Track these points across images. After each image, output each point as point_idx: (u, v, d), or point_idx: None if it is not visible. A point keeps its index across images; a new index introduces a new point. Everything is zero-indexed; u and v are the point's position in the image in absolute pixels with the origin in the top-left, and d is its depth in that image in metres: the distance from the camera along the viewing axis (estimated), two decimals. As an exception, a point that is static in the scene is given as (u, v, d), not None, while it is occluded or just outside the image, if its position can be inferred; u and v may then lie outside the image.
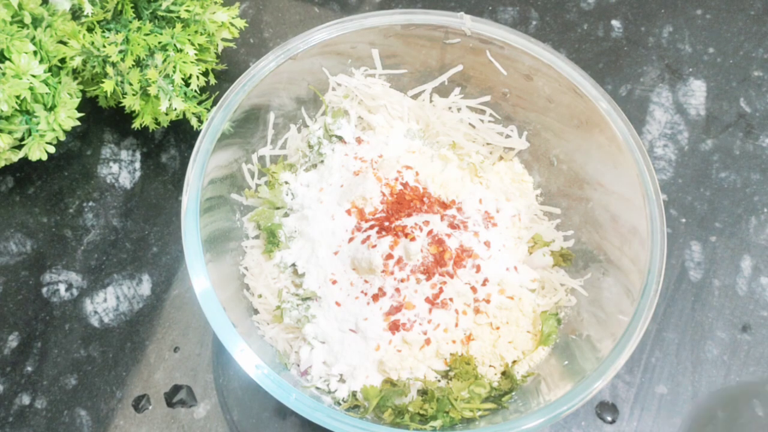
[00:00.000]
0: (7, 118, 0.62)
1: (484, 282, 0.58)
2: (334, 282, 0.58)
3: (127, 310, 0.65)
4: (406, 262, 0.56)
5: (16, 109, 0.62)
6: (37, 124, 0.63)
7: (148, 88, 0.64)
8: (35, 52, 0.62)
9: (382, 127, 0.65)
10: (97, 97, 0.70)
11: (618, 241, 0.58)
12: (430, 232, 0.58)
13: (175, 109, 0.65)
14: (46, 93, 0.62)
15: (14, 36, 0.61)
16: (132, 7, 0.65)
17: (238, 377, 0.62)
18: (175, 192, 0.70)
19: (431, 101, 0.67)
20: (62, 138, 0.65)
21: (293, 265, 0.60)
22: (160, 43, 0.64)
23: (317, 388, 0.57)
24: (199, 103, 0.68)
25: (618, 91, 0.77)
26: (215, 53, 0.70)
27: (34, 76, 0.61)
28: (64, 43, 0.64)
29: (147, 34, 0.64)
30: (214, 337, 0.63)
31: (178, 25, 0.65)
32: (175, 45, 0.65)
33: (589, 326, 0.57)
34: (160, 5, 0.65)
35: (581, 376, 0.51)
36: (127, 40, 0.64)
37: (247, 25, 0.71)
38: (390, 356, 0.55)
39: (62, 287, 0.66)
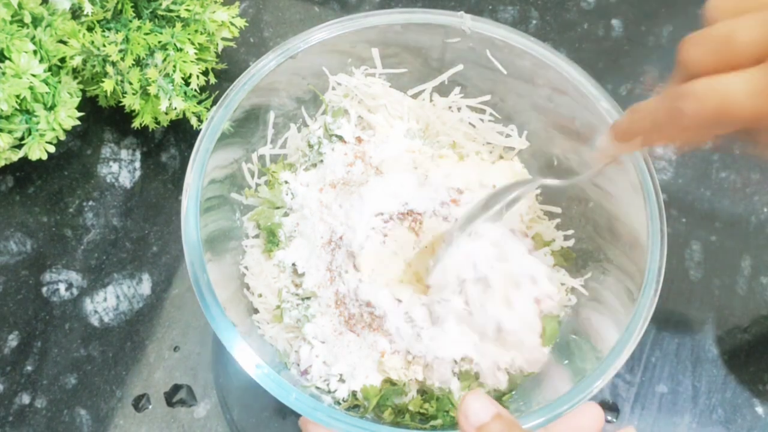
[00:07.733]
0: (7, 118, 0.62)
1: (484, 282, 0.58)
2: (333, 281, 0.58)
3: (127, 309, 0.65)
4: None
5: (16, 109, 0.61)
6: (37, 123, 0.63)
7: (148, 88, 0.64)
8: (35, 52, 0.62)
9: (382, 126, 0.65)
10: (97, 96, 0.70)
11: (618, 240, 0.58)
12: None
13: (175, 109, 0.65)
14: (46, 92, 0.62)
15: (14, 35, 0.61)
16: (132, 7, 0.65)
17: (238, 377, 0.62)
18: (175, 192, 0.70)
19: (431, 101, 0.67)
20: (62, 137, 0.65)
21: (293, 264, 0.60)
22: (160, 42, 0.64)
23: (317, 388, 0.57)
24: (199, 103, 0.68)
25: (618, 91, 0.77)
26: (215, 52, 0.70)
27: (34, 75, 0.61)
28: (64, 43, 0.64)
29: (147, 34, 0.64)
30: (214, 337, 0.63)
31: (178, 25, 0.65)
32: (175, 44, 0.64)
33: (589, 326, 0.57)
34: (160, 4, 0.65)
35: (581, 375, 0.51)
36: (127, 40, 0.64)
37: (247, 24, 0.71)
38: (390, 356, 0.55)
39: (62, 287, 0.66)
